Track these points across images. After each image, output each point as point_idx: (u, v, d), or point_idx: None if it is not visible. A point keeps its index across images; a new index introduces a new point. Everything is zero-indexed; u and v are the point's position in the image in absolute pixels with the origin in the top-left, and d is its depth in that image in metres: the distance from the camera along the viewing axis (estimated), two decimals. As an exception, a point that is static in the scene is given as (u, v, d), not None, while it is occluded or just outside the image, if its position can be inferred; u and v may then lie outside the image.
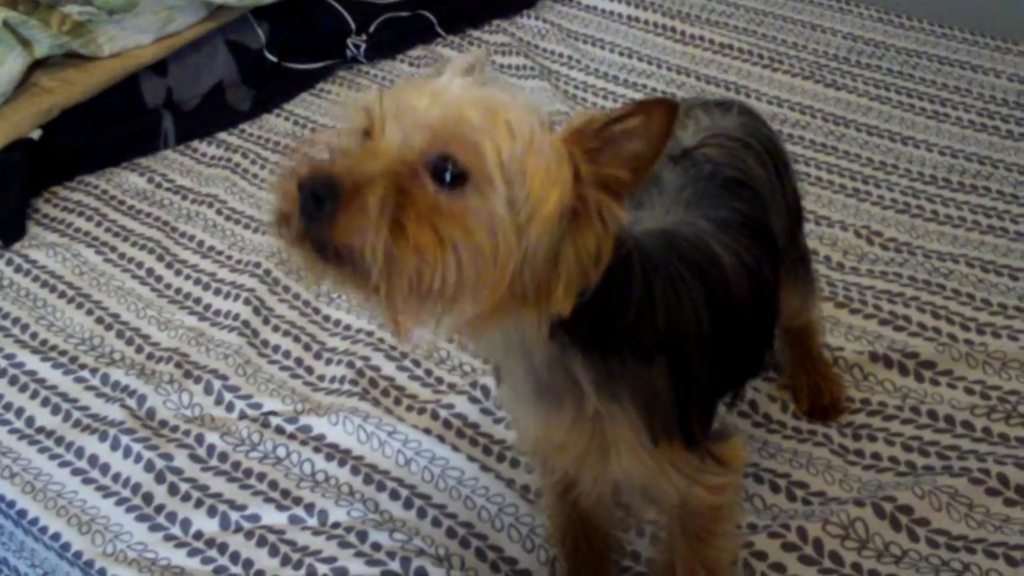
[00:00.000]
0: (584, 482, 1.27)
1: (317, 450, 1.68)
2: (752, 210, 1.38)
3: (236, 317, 1.94)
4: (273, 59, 2.60)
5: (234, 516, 1.59)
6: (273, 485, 1.64)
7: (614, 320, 1.12)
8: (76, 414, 1.77)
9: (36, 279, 2.04)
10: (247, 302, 1.96)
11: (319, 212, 0.95)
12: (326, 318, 1.95)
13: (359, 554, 1.52)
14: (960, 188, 2.19)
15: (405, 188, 0.96)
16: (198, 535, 1.58)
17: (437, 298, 0.98)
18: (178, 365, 1.84)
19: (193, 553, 1.55)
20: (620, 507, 1.50)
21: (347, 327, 1.92)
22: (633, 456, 1.20)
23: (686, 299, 1.19)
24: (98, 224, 2.19)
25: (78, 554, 1.57)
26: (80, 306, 1.99)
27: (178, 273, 2.07)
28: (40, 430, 1.75)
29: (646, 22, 2.80)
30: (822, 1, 2.86)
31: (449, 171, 0.97)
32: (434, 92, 1.01)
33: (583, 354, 1.13)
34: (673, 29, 2.77)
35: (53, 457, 1.70)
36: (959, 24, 2.73)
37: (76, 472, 1.68)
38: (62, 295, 2.01)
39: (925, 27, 2.74)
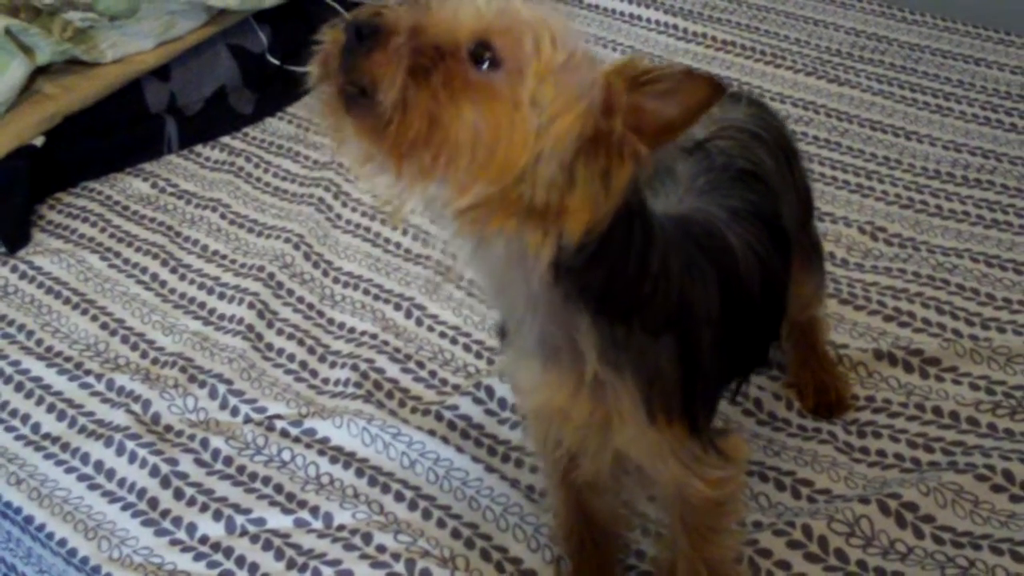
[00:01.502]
0: (584, 457, 1.28)
1: (322, 453, 1.68)
2: (764, 202, 1.39)
3: (240, 321, 1.94)
4: (275, 62, 2.60)
5: (239, 520, 1.60)
6: (278, 488, 1.64)
7: (630, 289, 1.13)
8: (82, 420, 1.77)
9: (41, 285, 2.05)
10: (251, 306, 1.96)
11: (358, 45, 0.99)
12: (330, 321, 1.95)
13: (364, 556, 1.52)
14: (964, 182, 2.18)
15: (442, 54, 1.00)
16: (203, 539, 1.58)
17: (445, 161, 0.99)
18: (183, 370, 1.84)
19: (199, 557, 1.55)
20: (624, 505, 1.50)
21: (351, 330, 1.92)
22: (634, 430, 1.20)
23: (699, 281, 1.21)
24: (102, 230, 2.19)
25: (85, 560, 1.57)
26: (85, 312, 1.99)
27: (182, 278, 2.07)
28: (46, 436, 1.75)
29: (648, 20, 2.80)
30: (824, -4, 2.86)
31: (486, 57, 1.00)
32: None
33: (591, 317, 1.13)
34: (675, 27, 2.76)
35: (59, 463, 1.70)
36: (962, 17, 2.73)
37: (82, 478, 1.68)
38: (67, 301, 2.01)
39: (927, 21, 2.73)
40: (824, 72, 2.57)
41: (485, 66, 1.00)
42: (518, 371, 1.26)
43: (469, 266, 1.14)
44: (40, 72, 2.27)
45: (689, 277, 1.19)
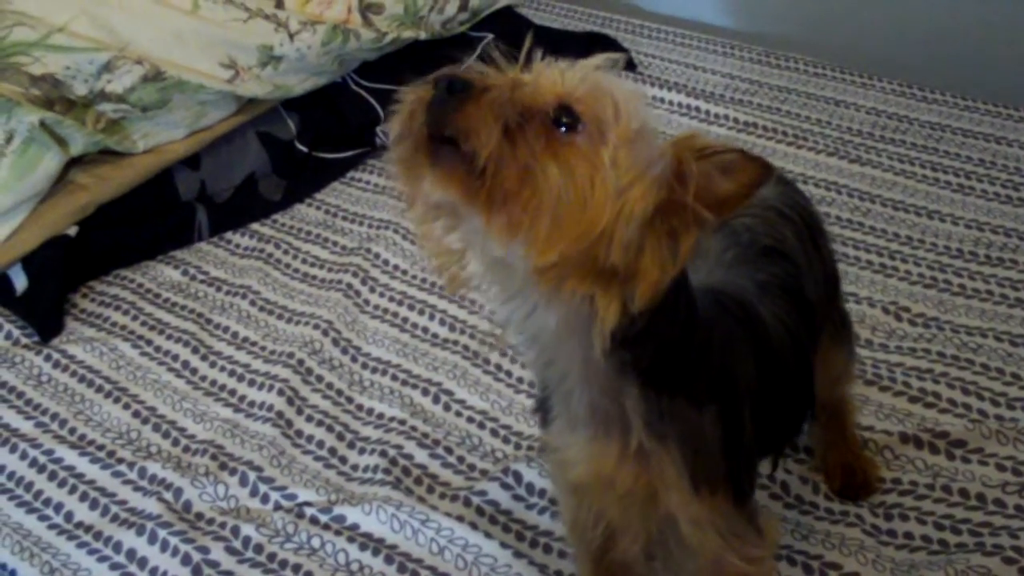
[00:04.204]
0: (624, 533, 1.29)
1: (351, 540, 1.69)
2: (789, 277, 1.42)
3: (270, 408, 1.96)
4: (304, 149, 2.64)
5: (270, 608, 1.61)
6: (308, 576, 1.66)
7: (677, 359, 1.15)
8: (114, 508, 1.79)
9: (74, 374, 2.07)
10: (281, 393, 1.98)
11: (449, 98, 1.01)
12: (359, 407, 1.97)
13: (394, 645, 1.53)
14: (987, 261, 2.19)
15: (528, 116, 1.03)
16: (235, 628, 1.59)
17: (532, 216, 1.01)
18: (213, 457, 1.86)
19: (230, 647, 1.57)
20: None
21: (380, 415, 1.94)
22: (679, 499, 1.22)
23: (737, 352, 1.24)
24: (134, 318, 2.22)
25: (117, 650, 1.59)
26: (117, 400, 2.01)
27: (213, 365, 2.09)
28: (79, 525, 1.77)
29: (670, 102, 2.83)
30: (844, 76, 2.88)
31: (566, 121, 1.03)
32: (575, 64, 1.09)
33: (640, 387, 1.15)
34: (697, 108, 2.79)
35: (92, 552, 1.72)
36: (982, 97, 2.75)
37: (115, 567, 1.69)
38: (99, 389, 2.04)
39: (948, 100, 2.76)
40: (846, 152, 2.59)
41: (565, 128, 1.03)
42: (564, 443, 1.26)
43: (520, 333, 1.16)
44: (73, 163, 2.31)
45: (729, 347, 1.22)
